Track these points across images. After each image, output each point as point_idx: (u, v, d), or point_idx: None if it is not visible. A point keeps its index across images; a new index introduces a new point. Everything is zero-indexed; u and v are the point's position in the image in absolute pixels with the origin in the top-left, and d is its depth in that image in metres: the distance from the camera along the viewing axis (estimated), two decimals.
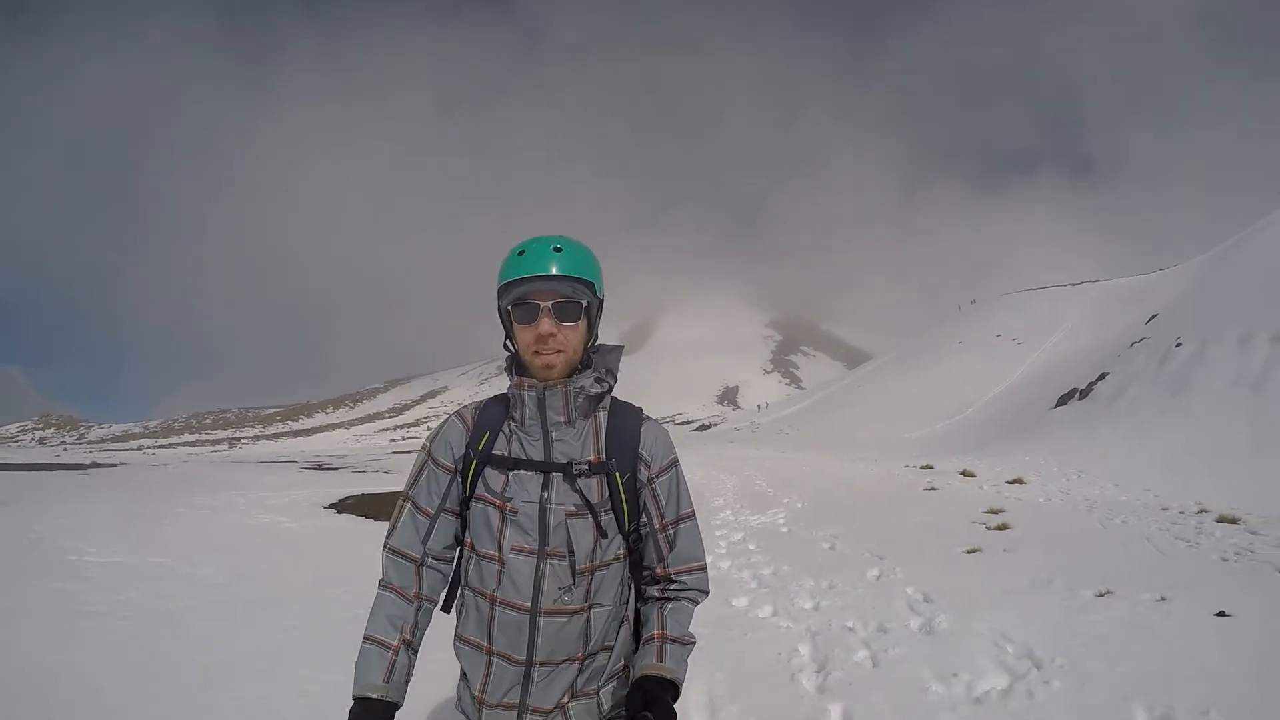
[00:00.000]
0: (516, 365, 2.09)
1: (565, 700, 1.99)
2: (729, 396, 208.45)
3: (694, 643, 2.06)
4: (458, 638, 2.06)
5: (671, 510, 2.11)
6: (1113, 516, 10.56)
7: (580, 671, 2.00)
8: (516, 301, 1.99)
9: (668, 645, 2.00)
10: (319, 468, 22.79)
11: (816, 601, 6.78)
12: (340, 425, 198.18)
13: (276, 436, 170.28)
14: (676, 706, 1.93)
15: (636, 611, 2.16)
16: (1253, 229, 34.26)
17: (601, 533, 2.00)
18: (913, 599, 6.60)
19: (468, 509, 2.07)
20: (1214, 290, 28.34)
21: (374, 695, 1.93)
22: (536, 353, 1.99)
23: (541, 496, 1.98)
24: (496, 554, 1.97)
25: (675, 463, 2.16)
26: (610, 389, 2.13)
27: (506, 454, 2.04)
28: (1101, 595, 6.30)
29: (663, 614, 2.06)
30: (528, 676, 1.96)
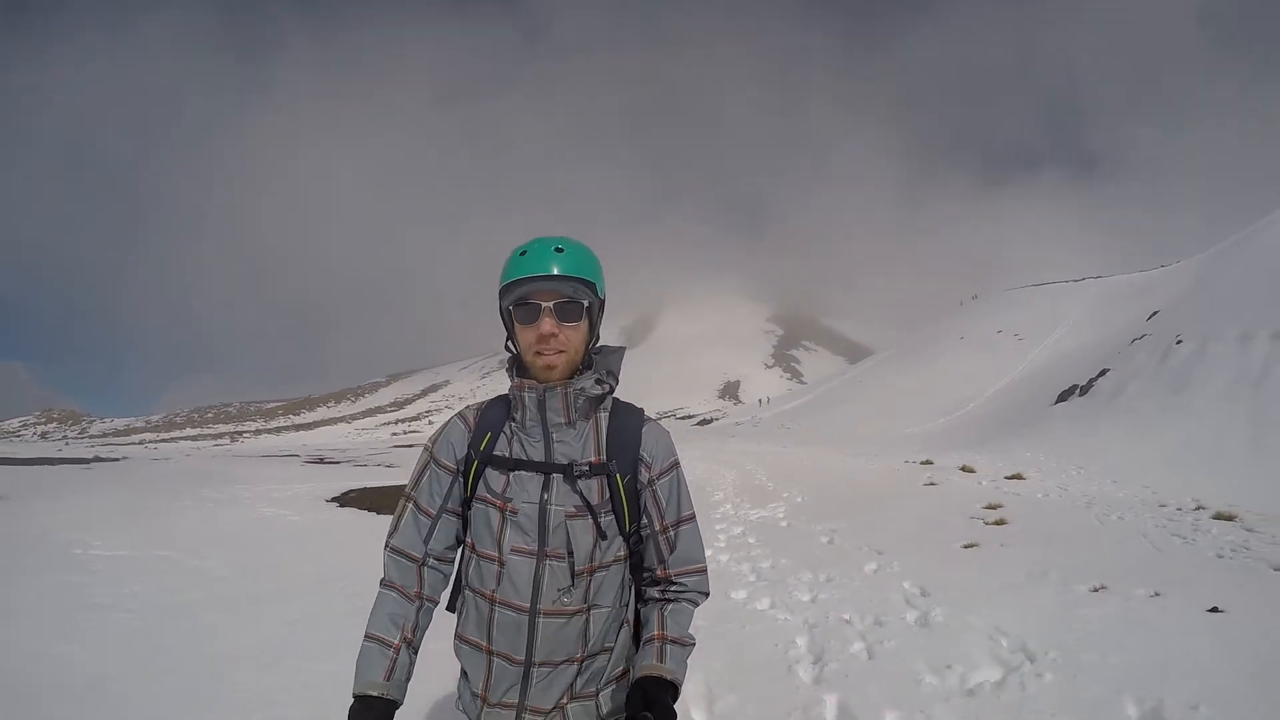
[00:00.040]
0: (518, 366, 2.10)
1: (564, 701, 2.00)
2: (730, 391, 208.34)
3: (694, 644, 2.07)
4: (458, 637, 2.07)
5: (672, 512, 2.12)
6: (1110, 513, 10.62)
7: (579, 673, 2.01)
8: (518, 302, 2.00)
9: (668, 646, 2.00)
10: (321, 462, 22.86)
11: (814, 594, 6.86)
12: (341, 419, 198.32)
13: (278, 430, 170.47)
14: (676, 705, 1.94)
15: (637, 613, 2.17)
16: (1254, 228, 34.24)
17: (601, 534, 2.01)
18: (909, 593, 6.67)
19: (469, 510, 2.08)
20: (1215, 288, 28.36)
21: (374, 693, 1.94)
22: (538, 353, 2.00)
23: (542, 497, 1.98)
24: (496, 554, 1.98)
25: (676, 464, 2.17)
26: (611, 390, 2.13)
27: (507, 455, 2.04)
28: (1096, 590, 6.36)
29: (663, 615, 2.07)
30: (527, 677, 1.97)
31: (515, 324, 2.04)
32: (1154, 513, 10.66)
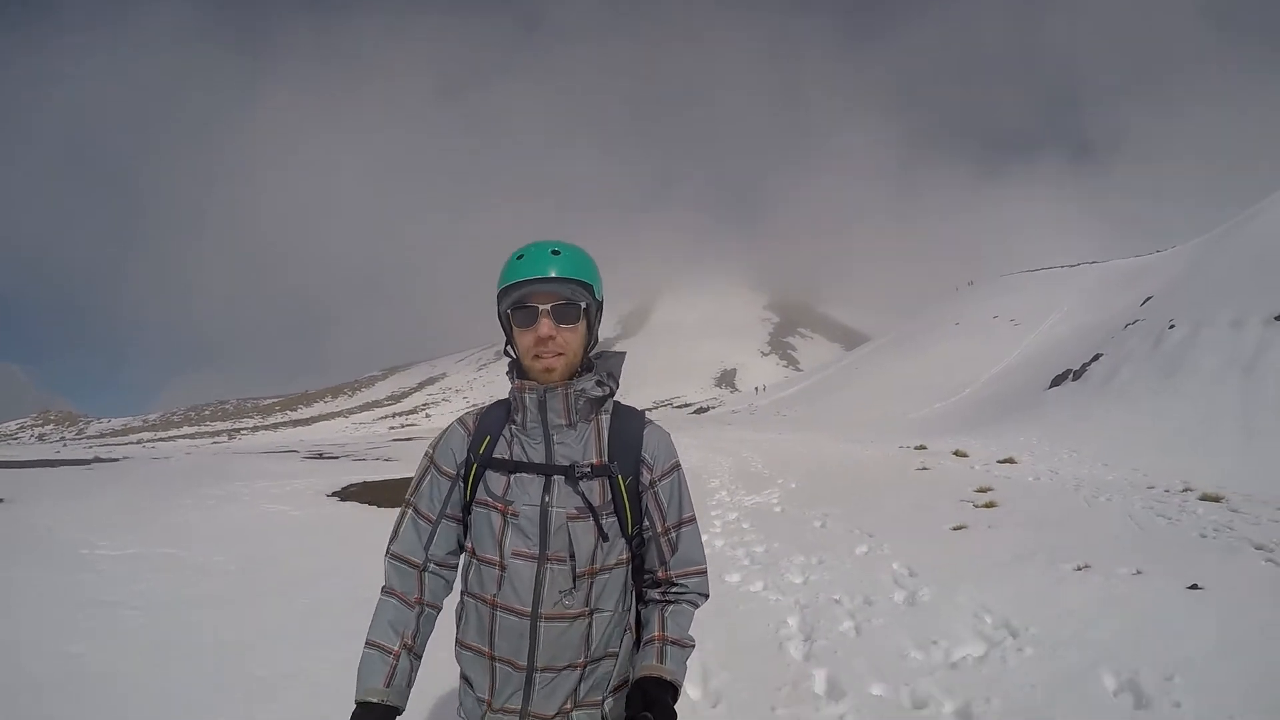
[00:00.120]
0: (518, 369, 2.10)
1: (568, 707, 2.00)
2: (727, 379, 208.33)
3: (694, 645, 2.08)
4: (459, 643, 2.07)
5: (674, 514, 2.12)
6: (1098, 495, 10.78)
7: (583, 678, 2.01)
8: (516, 305, 2.01)
9: (668, 647, 2.01)
10: (320, 457, 22.91)
11: (806, 577, 7.06)
12: (339, 414, 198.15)
13: (276, 427, 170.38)
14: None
15: (638, 616, 2.18)
16: (1249, 212, 34.27)
17: (603, 535, 2.01)
18: (898, 573, 6.87)
19: (469, 514, 2.08)
20: (1209, 273, 28.46)
21: (374, 700, 1.95)
22: (537, 356, 2.00)
23: (543, 500, 1.99)
24: (497, 558, 1.98)
25: (677, 466, 2.17)
26: (612, 393, 2.13)
27: (508, 457, 2.05)
28: (1079, 569, 6.55)
29: (663, 616, 2.07)
30: (529, 682, 1.97)
31: (514, 327, 2.05)
32: (1142, 494, 10.81)
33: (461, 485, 2.10)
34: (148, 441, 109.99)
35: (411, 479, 2.19)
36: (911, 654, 4.98)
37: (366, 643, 2.03)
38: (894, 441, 21.43)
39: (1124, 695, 4.22)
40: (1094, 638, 4.98)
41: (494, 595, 1.98)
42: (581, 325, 2.05)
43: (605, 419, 2.11)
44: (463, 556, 2.13)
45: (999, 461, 15.50)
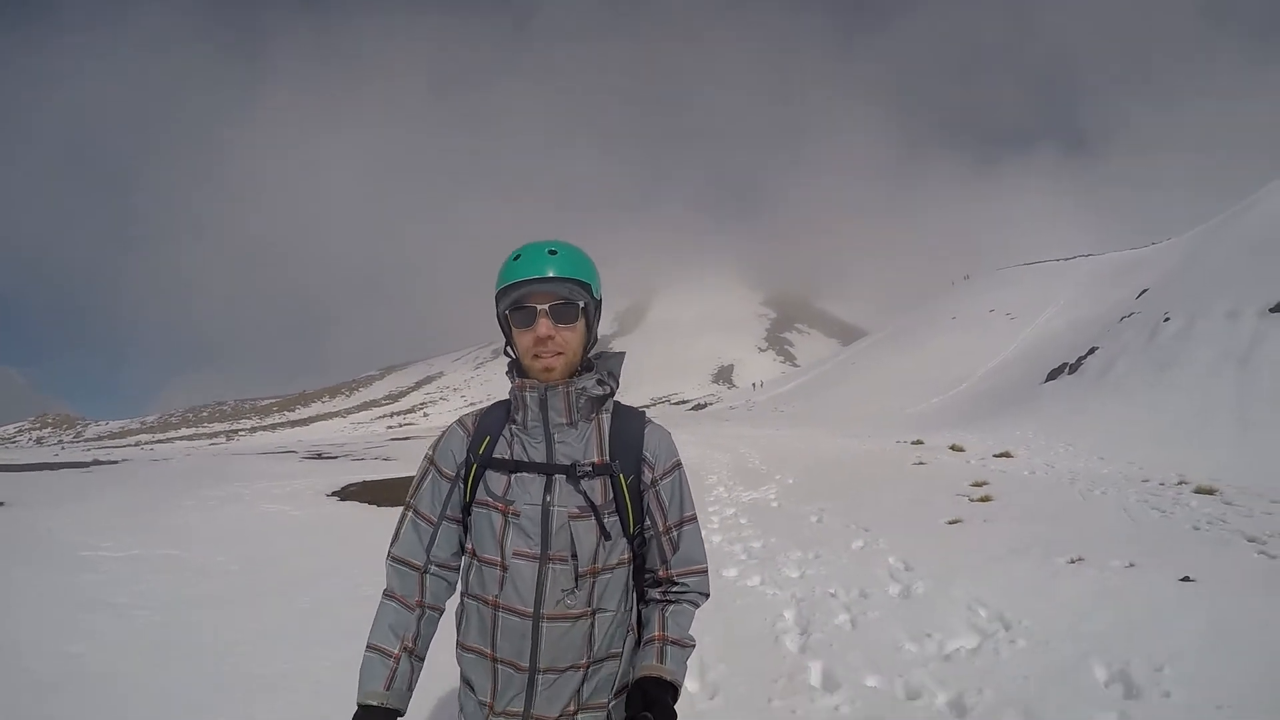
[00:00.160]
0: (518, 369, 2.10)
1: (572, 710, 2.00)
2: (724, 375, 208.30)
3: (694, 645, 2.08)
4: (460, 646, 2.07)
5: (675, 513, 2.12)
6: (1093, 488, 10.86)
7: (586, 679, 2.01)
8: (514, 306, 2.01)
9: (668, 647, 2.01)
10: (319, 457, 22.92)
11: (802, 571, 7.14)
12: (337, 414, 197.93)
13: (274, 427, 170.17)
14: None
15: (639, 616, 2.17)
16: (1245, 203, 34.30)
17: (605, 534, 2.00)
18: (894, 567, 6.95)
19: (469, 515, 2.08)
20: (1204, 264, 28.51)
21: (374, 702, 1.96)
22: (536, 356, 2.00)
23: (544, 499, 1.98)
24: (499, 559, 1.98)
25: (678, 465, 2.17)
26: (612, 392, 2.13)
27: (508, 456, 2.05)
28: (1073, 562, 6.62)
29: (664, 615, 2.07)
30: (531, 684, 1.96)
31: (513, 328, 2.05)
32: (1137, 488, 10.89)
33: (461, 486, 2.10)
34: (146, 443, 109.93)
35: (412, 480, 2.19)
36: (906, 646, 5.07)
37: (367, 646, 2.03)
38: (891, 436, 21.49)
39: (1115, 686, 4.30)
40: (1086, 630, 5.06)
41: (495, 596, 1.97)
42: (580, 324, 2.05)
43: (606, 418, 2.11)
44: (463, 558, 2.13)
45: (995, 456, 15.58)
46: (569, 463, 2.01)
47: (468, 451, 2.10)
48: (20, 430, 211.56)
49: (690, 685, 4.62)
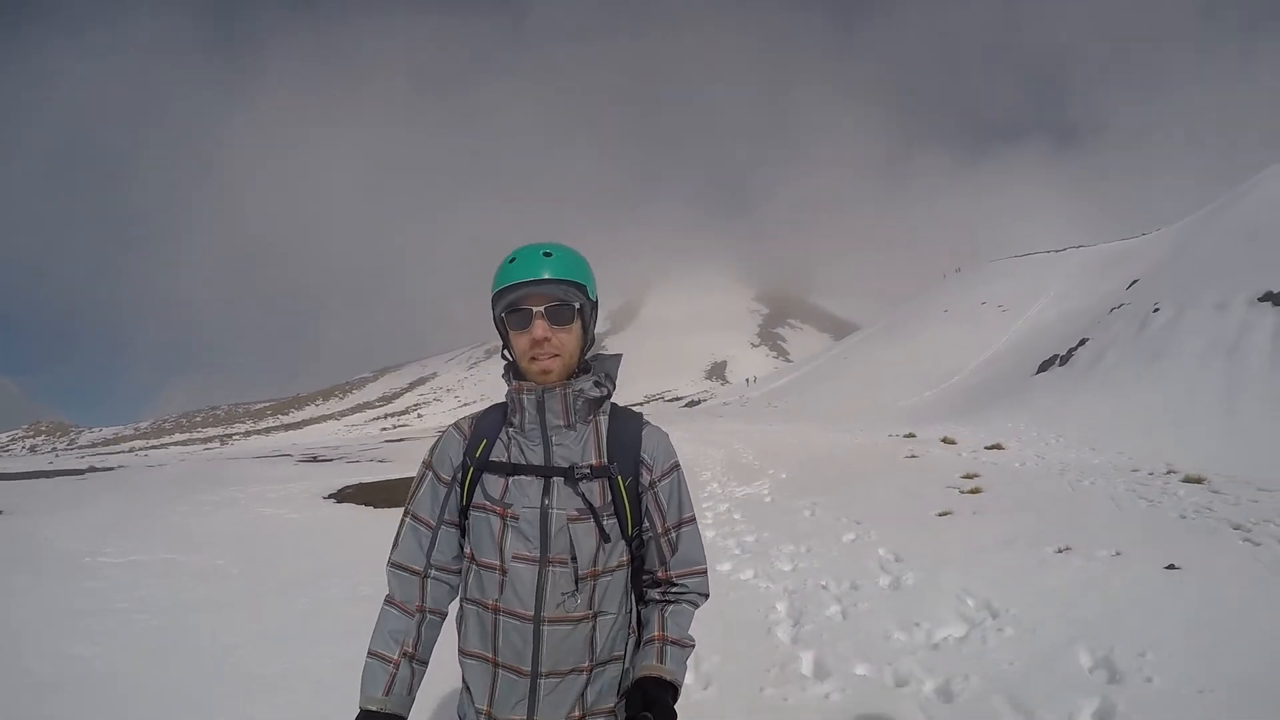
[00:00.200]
0: (514, 372, 2.09)
1: (577, 714, 1.98)
2: (717, 371, 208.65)
3: (693, 645, 2.08)
4: (461, 652, 2.04)
5: (674, 514, 2.11)
6: (1083, 479, 10.97)
7: (589, 683, 1.99)
8: (510, 308, 2.00)
9: (668, 647, 2.01)
10: (314, 460, 22.95)
11: (795, 564, 7.25)
12: (331, 416, 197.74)
13: (268, 431, 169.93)
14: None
15: (638, 617, 2.16)
16: (1235, 192, 34.46)
17: (604, 537, 1.99)
18: (884, 559, 7.06)
19: (467, 519, 2.07)
20: (1194, 254, 28.66)
21: (374, 708, 1.98)
22: (533, 358, 1.99)
23: (543, 502, 1.97)
24: (498, 562, 1.97)
25: (676, 467, 2.16)
26: (610, 394, 2.12)
27: (506, 459, 2.04)
28: (1060, 551, 6.72)
29: (663, 616, 2.06)
30: (534, 689, 1.94)
31: (509, 330, 2.04)
32: (1125, 478, 11.00)
33: (458, 490, 2.09)
34: (140, 450, 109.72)
35: (411, 485, 2.19)
36: (895, 635, 5.18)
37: (368, 652, 2.05)
38: (884, 430, 21.60)
39: (1099, 671, 4.40)
40: (1072, 617, 5.16)
41: (495, 600, 1.96)
42: (576, 326, 2.05)
43: (603, 420, 2.11)
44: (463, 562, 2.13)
45: (986, 448, 15.69)
46: (567, 465, 2.00)
47: (464, 455, 2.09)
48: (13, 439, 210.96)
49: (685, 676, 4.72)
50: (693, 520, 2.16)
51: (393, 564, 2.11)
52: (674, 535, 2.11)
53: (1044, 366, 26.67)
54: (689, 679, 4.71)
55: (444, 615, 2.13)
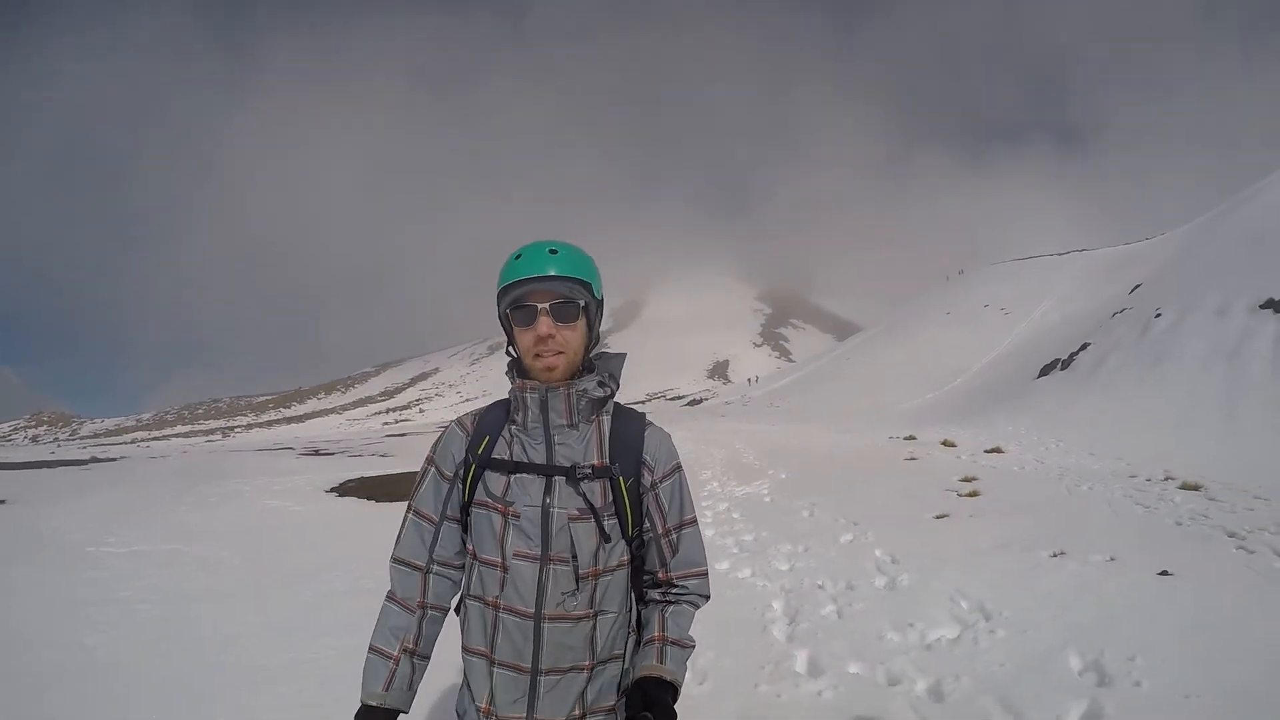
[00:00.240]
0: (518, 369, 2.09)
1: (578, 713, 1.99)
2: (719, 371, 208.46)
3: (694, 646, 2.07)
4: (464, 649, 2.05)
5: (675, 516, 2.11)
6: (1081, 484, 11.02)
7: (590, 681, 2.00)
8: (515, 304, 2.00)
9: (668, 647, 2.00)
10: (316, 453, 23.05)
11: (792, 564, 7.33)
12: (333, 410, 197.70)
13: (270, 424, 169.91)
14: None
15: (638, 617, 2.16)
16: (1238, 197, 34.34)
17: (605, 537, 1.99)
18: (880, 560, 7.12)
19: (468, 515, 2.07)
20: (1196, 260, 28.60)
21: (374, 703, 2.00)
22: (537, 355, 1.99)
23: (544, 500, 1.97)
24: (499, 559, 1.97)
25: (678, 468, 2.16)
26: (613, 393, 2.12)
27: (508, 457, 2.04)
28: (1055, 556, 6.77)
29: (664, 616, 2.06)
30: (534, 686, 1.95)
31: (514, 326, 2.03)
32: (1123, 483, 11.04)
33: (460, 486, 2.09)
34: (142, 441, 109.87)
35: (415, 481, 2.19)
36: (889, 635, 5.25)
37: (369, 648, 2.07)
38: (885, 432, 21.66)
39: (1088, 674, 4.46)
40: (1064, 621, 5.21)
41: (496, 597, 1.97)
42: (581, 323, 2.04)
43: (606, 420, 2.10)
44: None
45: (986, 451, 15.73)
46: (569, 464, 2.00)
47: (466, 451, 2.09)
48: (15, 429, 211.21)
49: None
50: (694, 522, 2.16)
51: (395, 559, 2.12)
52: (675, 537, 2.11)
53: (1045, 370, 26.68)
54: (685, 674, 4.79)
55: (446, 611, 2.14)
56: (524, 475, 2.01)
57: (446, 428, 2.20)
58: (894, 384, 38.93)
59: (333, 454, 22.34)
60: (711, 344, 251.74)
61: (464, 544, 2.10)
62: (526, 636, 1.94)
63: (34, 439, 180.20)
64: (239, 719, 4.42)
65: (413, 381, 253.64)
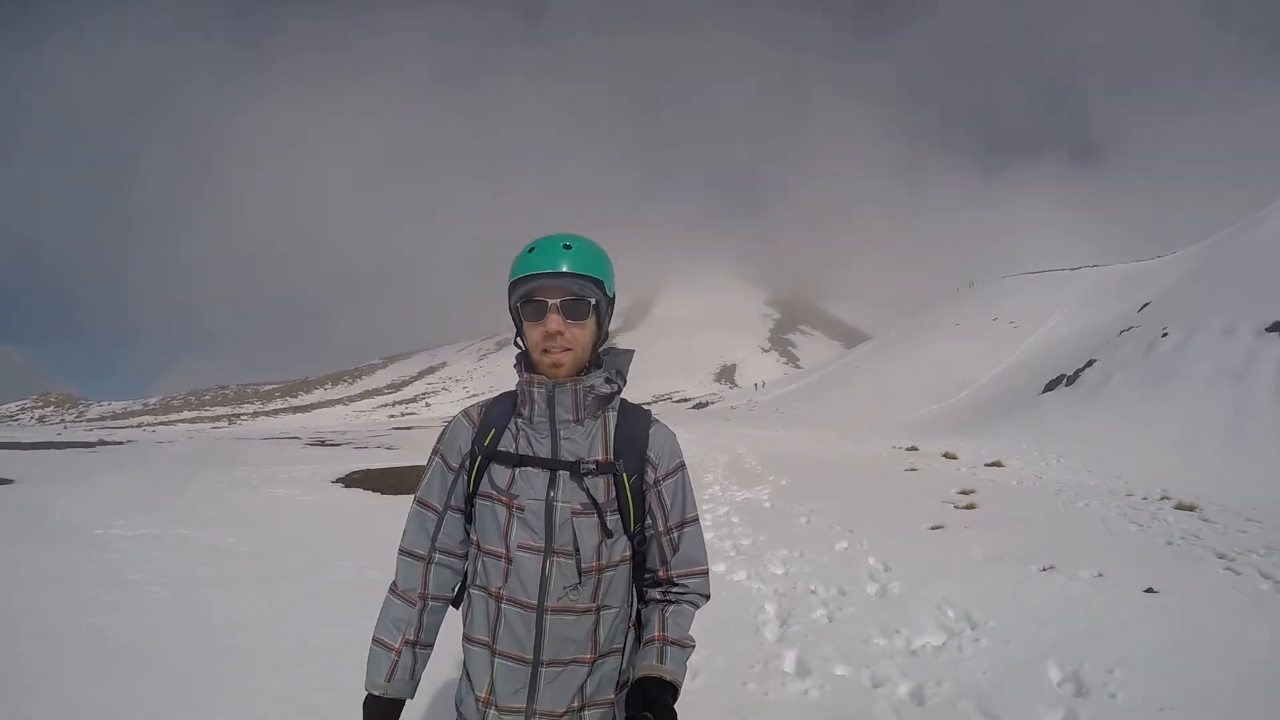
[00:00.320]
0: (526, 362, 2.11)
1: (577, 705, 2.01)
2: (727, 374, 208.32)
3: (694, 646, 2.09)
4: (466, 638, 2.08)
5: (676, 514, 2.13)
6: (1077, 500, 11.08)
7: (590, 673, 2.03)
8: (525, 299, 2.00)
9: (668, 647, 2.02)
10: (322, 444, 23.14)
11: (787, 568, 7.49)
12: (339, 401, 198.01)
13: (276, 413, 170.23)
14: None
15: (637, 614, 2.18)
16: (1252, 218, 34.20)
17: (606, 532, 2.01)
18: (873, 568, 7.27)
19: (473, 506, 2.09)
20: (1206, 280, 28.52)
21: (378, 693, 2.08)
22: (545, 351, 2.00)
23: (548, 494, 1.99)
24: (503, 551, 1.99)
25: (682, 466, 2.18)
26: (620, 390, 2.13)
27: (513, 450, 2.06)
28: (1045, 570, 6.90)
29: (664, 616, 2.07)
30: (535, 678, 1.98)
31: (523, 320, 2.05)
32: (1119, 501, 11.09)
33: (465, 476, 2.11)
34: (148, 425, 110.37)
35: (422, 473, 2.23)
36: (876, 640, 5.42)
37: (373, 639, 2.12)
38: (889, 441, 21.69)
39: (1067, 685, 4.61)
40: (1048, 633, 5.36)
41: (500, 588, 2.00)
42: (591, 321, 2.05)
43: (612, 416, 2.12)
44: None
45: (986, 465, 15.77)
46: (573, 460, 2.02)
47: (472, 443, 2.12)
48: (22, 408, 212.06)
49: None
50: (696, 520, 2.19)
51: (401, 550, 2.16)
52: (676, 535, 2.13)
53: (1050, 386, 26.67)
54: None
55: (448, 601, 2.18)
56: (529, 469, 2.03)
57: (453, 419, 2.22)
58: (900, 394, 38.93)
59: (339, 445, 22.44)
60: (719, 347, 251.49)
61: (467, 534, 2.14)
62: (529, 628, 1.97)
63: (40, 419, 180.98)
64: (245, 701, 4.55)
65: (420, 375, 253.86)
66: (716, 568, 7.53)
